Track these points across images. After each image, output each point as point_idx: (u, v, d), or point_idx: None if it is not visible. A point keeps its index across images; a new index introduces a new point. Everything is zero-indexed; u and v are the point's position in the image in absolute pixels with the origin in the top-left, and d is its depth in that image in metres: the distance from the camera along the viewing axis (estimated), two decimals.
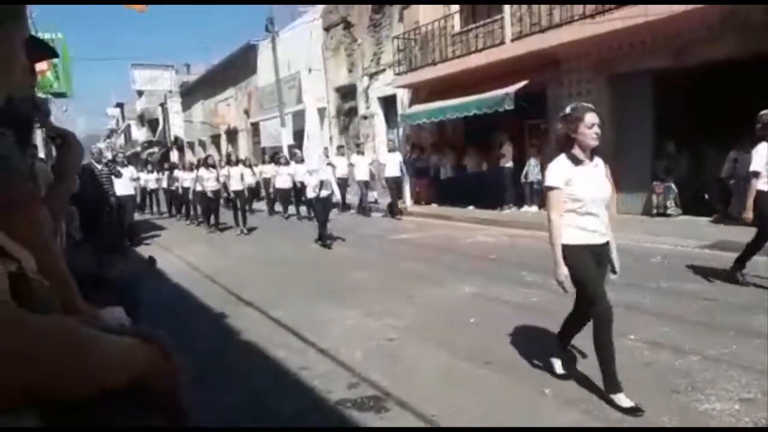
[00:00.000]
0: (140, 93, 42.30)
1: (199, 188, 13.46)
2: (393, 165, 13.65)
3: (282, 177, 15.33)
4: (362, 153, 15.66)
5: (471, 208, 12.63)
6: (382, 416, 3.45)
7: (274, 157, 17.10)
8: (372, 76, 17.13)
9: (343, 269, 7.93)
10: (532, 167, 11.96)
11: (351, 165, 15.10)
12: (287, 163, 15.45)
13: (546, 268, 6.80)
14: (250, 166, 16.91)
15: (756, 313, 4.71)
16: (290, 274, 7.98)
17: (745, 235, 7.35)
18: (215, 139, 30.38)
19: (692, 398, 3.34)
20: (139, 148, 46.17)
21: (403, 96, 15.75)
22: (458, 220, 11.89)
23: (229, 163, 13.94)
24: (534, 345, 4.49)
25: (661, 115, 10.00)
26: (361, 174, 14.71)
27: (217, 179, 13.12)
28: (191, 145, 34.95)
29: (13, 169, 0.96)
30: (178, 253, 10.20)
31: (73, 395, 0.71)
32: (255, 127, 24.41)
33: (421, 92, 14.78)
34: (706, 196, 9.19)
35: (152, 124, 44.99)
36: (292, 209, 15.85)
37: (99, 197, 9.47)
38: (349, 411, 3.55)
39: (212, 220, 13.54)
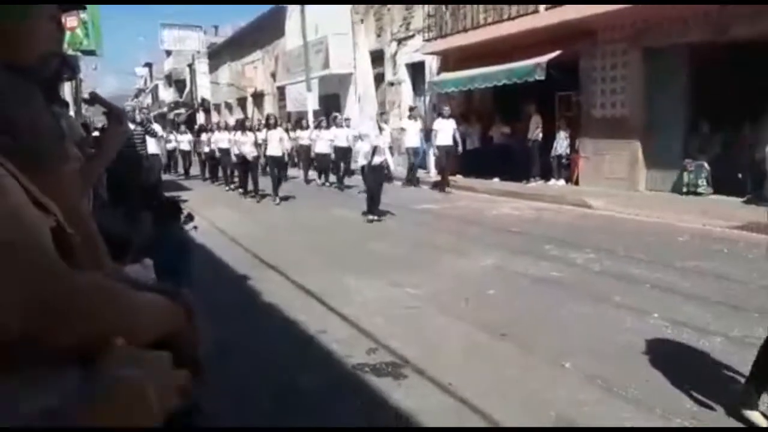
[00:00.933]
0: (168, 53, 42.33)
1: (236, 152, 12.67)
2: (445, 133, 12.40)
3: (322, 142, 14.43)
4: (415, 118, 14.01)
5: (496, 180, 12.49)
6: (400, 382, 3.49)
7: (314, 122, 16.38)
8: (400, 41, 16.86)
9: (367, 239, 7.95)
10: (561, 140, 11.74)
11: (402, 130, 14.26)
12: (328, 127, 14.66)
13: (569, 243, 6.80)
14: (287, 131, 15.54)
15: None
16: (316, 242, 8.04)
17: None
18: (241, 102, 30.40)
19: (715, 379, 3.30)
20: (165, 109, 46.44)
21: (431, 63, 15.49)
22: (483, 191, 11.80)
23: (268, 126, 12.56)
24: (553, 319, 4.48)
25: (696, 92, 9.69)
26: (412, 140, 13.67)
27: (255, 143, 12.29)
28: (217, 107, 35.04)
29: (44, 130, 0.96)
30: (205, 215, 10.16)
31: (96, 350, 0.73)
32: (281, 90, 24.33)
33: (450, 60, 14.52)
34: (740, 176, 8.94)
35: (179, 85, 45.12)
36: (332, 178, 14.96)
37: (130, 158, 9.08)
38: (366, 376, 3.60)
39: (250, 186, 12.78)
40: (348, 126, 14.51)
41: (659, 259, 6.00)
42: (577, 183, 11.51)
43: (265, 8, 24.63)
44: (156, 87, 54.03)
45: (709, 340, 3.85)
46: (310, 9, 19.36)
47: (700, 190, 9.31)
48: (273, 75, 25.53)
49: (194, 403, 1.01)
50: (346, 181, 14.22)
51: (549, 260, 6.19)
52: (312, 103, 19.02)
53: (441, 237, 7.68)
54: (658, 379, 3.37)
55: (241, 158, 12.49)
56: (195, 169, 19.22)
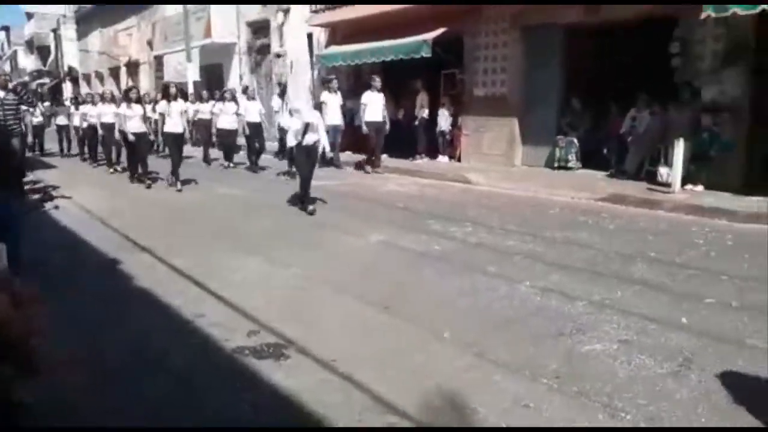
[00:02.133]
0: (29, 16, 38.31)
1: (122, 127, 10.50)
2: (375, 108, 11.23)
3: (226, 116, 12.51)
4: (334, 90, 12.09)
5: (385, 156, 12.63)
6: (281, 363, 3.43)
7: (217, 93, 14.36)
8: (287, 12, 16.40)
9: (247, 214, 7.74)
10: (444, 118, 12.04)
11: (322, 104, 11.45)
12: (233, 99, 12.75)
13: (450, 218, 7.03)
14: (191, 102, 13.96)
15: (637, 262, 5.08)
16: (195, 222, 7.70)
17: (635, 189, 7.88)
18: (114, 72, 28.26)
19: (576, 340, 3.56)
20: (27, 78, 42.14)
21: (319, 35, 15.22)
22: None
23: (167, 97, 10.37)
24: (434, 291, 4.61)
25: (569, 71, 10.30)
26: (334, 117, 11.60)
27: (144, 118, 10.43)
28: (87, 77, 32.35)
29: None
30: (74, 197, 9.20)
31: None
32: (159, 60, 22.89)
33: (339, 33, 14.34)
34: (605, 151, 9.67)
35: (42, 52, 41.07)
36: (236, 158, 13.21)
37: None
38: (246, 359, 3.50)
39: (139, 169, 10.77)
40: (253, 98, 12.79)
41: (531, 230, 6.37)
42: (459, 160, 11.89)
43: None
44: (15, 53, 48.82)
45: (573, 305, 4.14)
46: None
47: (570, 164, 9.97)
48: (150, 43, 23.93)
49: (18, 401, 0.89)
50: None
51: (431, 234, 6.36)
52: (193, 74, 18.08)
53: (329, 214, 7.64)
54: (527, 343, 3.58)
55: (126, 136, 10.45)
56: (55, 146, 17.09)
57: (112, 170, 12.59)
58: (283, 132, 10.86)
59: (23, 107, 8.07)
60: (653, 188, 7.82)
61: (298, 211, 7.75)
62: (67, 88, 32.99)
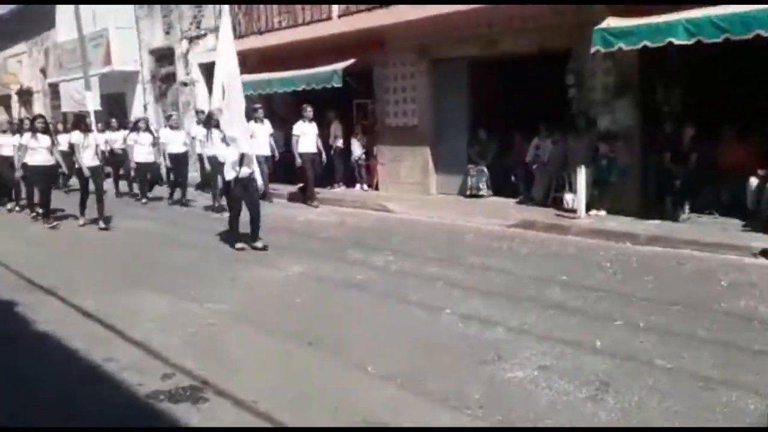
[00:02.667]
0: None
1: (27, 161, 9.48)
2: (309, 139, 10.83)
3: (143, 148, 11.62)
4: (261, 120, 11.32)
5: (301, 185, 12.49)
6: (199, 407, 3.25)
7: (129, 122, 13.63)
8: (192, 40, 16.03)
9: (161, 251, 7.37)
10: (356, 147, 12.12)
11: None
12: (147, 129, 12.00)
13: (370, 246, 7.02)
14: (102, 131, 12.85)
15: (551, 285, 5.26)
16: (102, 259, 7.24)
17: (543, 215, 8.24)
18: (4, 100, 26.31)
19: (498, 368, 3.61)
20: None
21: None
22: (285, 198, 11.67)
23: (78, 127, 9.61)
24: (357, 322, 4.55)
25: (475, 102, 10.70)
26: (262, 147, 10.69)
27: (50, 150, 9.45)
28: None
29: None
30: None
31: None
32: (54, 88, 21.57)
33: (248, 62, 14.07)
34: (513, 179, 10.08)
35: None
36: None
37: None
38: (162, 404, 3.29)
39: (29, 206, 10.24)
40: (176, 128, 12.05)
41: (449, 257, 6.48)
42: (377, 188, 11.98)
43: None
44: None
45: (493, 331, 4.21)
46: None
47: (481, 192, 10.29)
48: (43, 71, 22.56)
49: None
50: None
51: (352, 264, 6.32)
52: (93, 103, 17.12)
53: (226, 242, 7.43)
54: (450, 372, 3.59)
55: (34, 169, 9.45)
56: None
57: (10, 208, 11.42)
58: (212, 163, 9.95)
59: None
60: (560, 214, 8.20)
61: (217, 246, 7.43)
62: None
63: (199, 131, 11.55)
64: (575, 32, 8.17)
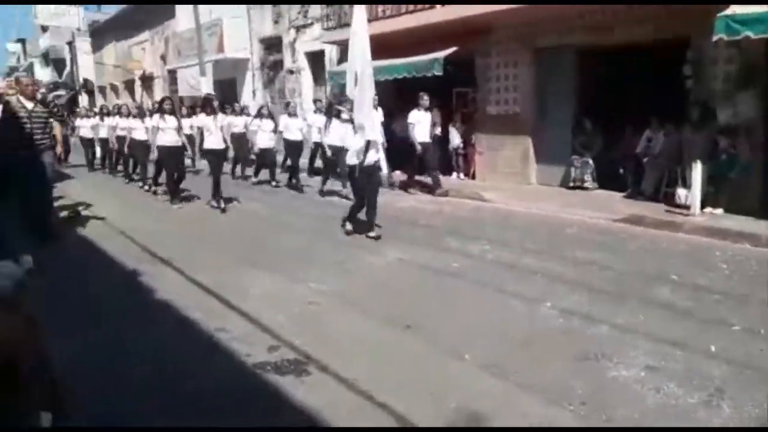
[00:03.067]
0: (44, 29, 38.84)
1: (158, 142, 9.76)
2: (423, 127, 10.50)
3: (265, 134, 11.87)
4: (375, 107, 10.29)
5: (397, 173, 12.62)
6: (303, 380, 3.40)
7: (242, 107, 13.77)
8: (299, 29, 16.55)
9: (272, 232, 7.71)
10: (454, 135, 12.05)
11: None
12: (270, 116, 12.18)
13: (467, 235, 6.99)
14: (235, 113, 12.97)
15: (659, 285, 5.00)
16: (217, 236, 7.72)
17: (653, 210, 7.82)
18: (129, 85, 28.55)
19: (602, 365, 3.50)
20: (44, 90, 42.65)
21: (331, 52, 15.33)
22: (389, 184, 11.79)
23: (205, 110, 9.77)
24: (454, 310, 4.57)
25: (582, 91, 10.30)
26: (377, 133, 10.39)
27: (178, 131, 9.59)
28: (102, 90, 32.70)
29: None
30: (105, 217, 8.66)
31: None
32: (172, 74, 23.10)
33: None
34: (621, 171, 9.63)
35: (58, 65, 41.60)
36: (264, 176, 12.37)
37: (14, 147, 6.60)
38: (268, 374, 3.48)
39: (161, 184, 10.59)
40: (294, 115, 12.06)
41: (549, 249, 6.31)
42: (474, 177, 11.87)
43: None
44: (31, 65, 49.46)
45: (596, 328, 4.08)
46: None
47: (586, 184, 9.92)
48: (163, 57, 24.20)
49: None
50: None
51: (448, 252, 6.32)
52: (206, 88, 18.21)
53: (330, 227, 7.62)
54: (550, 366, 3.52)
55: (165, 150, 9.65)
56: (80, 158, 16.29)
57: (144, 186, 11.77)
58: (332, 151, 10.09)
59: (52, 120, 7.20)
60: (672, 210, 7.74)
61: (325, 230, 7.61)
62: (83, 100, 33.32)
63: (317, 119, 11.64)
64: (695, 20, 7.62)
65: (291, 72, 17.14)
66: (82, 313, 4.56)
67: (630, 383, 3.27)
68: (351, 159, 7.00)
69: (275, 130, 11.89)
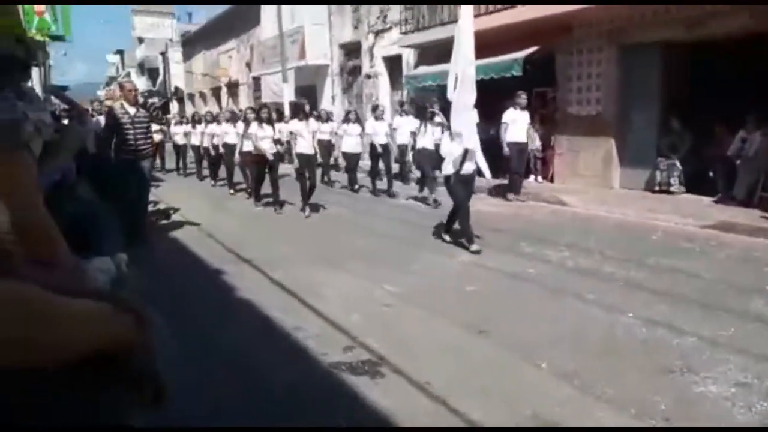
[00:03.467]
0: (141, 40, 41.47)
1: (248, 148, 10.13)
2: (519, 127, 10.04)
3: (351, 138, 11.71)
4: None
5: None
6: (377, 381, 3.46)
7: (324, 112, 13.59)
8: (377, 34, 16.77)
9: (345, 234, 7.87)
10: (532, 136, 11.80)
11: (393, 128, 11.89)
12: (357, 120, 12.06)
13: (544, 240, 6.84)
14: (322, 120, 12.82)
15: (752, 296, 4.70)
16: (296, 236, 7.97)
17: (747, 216, 7.34)
18: (216, 92, 29.96)
19: (688, 380, 3.34)
20: (140, 98, 45.53)
21: (409, 56, 15.43)
22: None
23: (297, 115, 9.85)
24: (528, 317, 4.49)
25: (669, 90, 9.82)
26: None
27: (276, 139, 9.61)
28: (191, 97, 34.48)
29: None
30: (200, 223, 8.71)
31: (22, 365, 0.66)
32: (256, 81, 24.02)
33: (428, 53, 14.46)
34: (711, 174, 9.10)
35: (152, 74, 44.30)
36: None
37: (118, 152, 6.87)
38: (343, 374, 3.55)
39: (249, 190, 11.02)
40: (381, 118, 11.95)
41: (632, 256, 6.07)
42: (552, 180, 11.59)
43: None
44: (128, 75, 52.96)
45: (682, 340, 3.89)
46: None
47: (672, 188, 9.45)
48: (248, 65, 25.20)
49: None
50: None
51: (524, 257, 6.22)
52: (288, 95, 18.82)
53: (420, 233, 7.65)
54: (632, 378, 3.39)
55: (258, 157, 9.80)
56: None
57: (232, 191, 12.33)
58: (420, 155, 10.06)
59: (154, 126, 7.45)
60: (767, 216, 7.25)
61: (386, 229, 7.75)
62: (174, 107, 35.28)
63: (404, 122, 11.62)
64: None
65: (369, 77, 17.39)
66: (167, 310, 4.84)
67: (719, 400, 3.10)
68: (447, 168, 6.62)
69: (362, 135, 11.87)
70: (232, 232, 8.03)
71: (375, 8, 16.62)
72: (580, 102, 10.96)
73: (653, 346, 3.83)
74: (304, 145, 9.26)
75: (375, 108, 12.35)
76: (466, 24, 7.11)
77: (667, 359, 3.60)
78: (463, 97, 6.61)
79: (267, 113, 10.03)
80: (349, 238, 7.69)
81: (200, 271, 6.17)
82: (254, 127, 9.74)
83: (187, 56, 34.57)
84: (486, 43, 11.91)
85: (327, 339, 4.10)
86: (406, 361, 3.65)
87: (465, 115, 6.57)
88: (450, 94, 6.96)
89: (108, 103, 7.27)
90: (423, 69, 14.22)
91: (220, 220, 9.17)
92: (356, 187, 11.95)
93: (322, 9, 18.94)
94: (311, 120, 9.93)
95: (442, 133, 8.44)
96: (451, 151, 6.57)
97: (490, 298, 4.95)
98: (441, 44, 13.40)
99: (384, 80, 17.02)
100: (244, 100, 26.12)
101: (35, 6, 14.70)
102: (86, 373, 0.74)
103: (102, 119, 7.26)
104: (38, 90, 11.86)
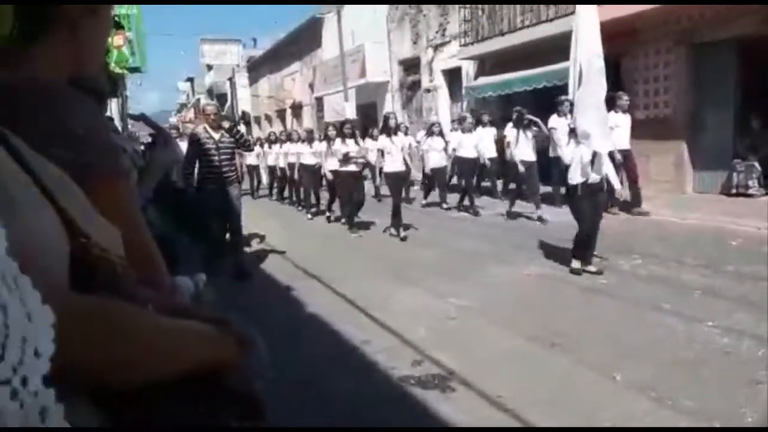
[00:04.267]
0: (209, 67, 43.29)
1: (331, 167, 9.44)
2: (623, 131, 8.93)
3: (436, 153, 10.84)
4: (564, 114, 9.41)
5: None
6: (447, 396, 3.46)
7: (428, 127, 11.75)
8: (436, 48, 16.86)
9: (408, 246, 7.91)
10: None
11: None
12: (441, 134, 11.00)
13: (615, 248, 6.64)
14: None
15: None
16: (358, 250, 8.08)
17: None
18: (280, 114, 30.85)
19: None
20: (225, 123, 47.35)
21: (468, 68, 15.43)
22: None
23: (386, 131, 8.87)
24: (601, 328, 4.38)
25: (746, 88, 9.36)
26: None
27: (364, 158, 9.09)
28: (258, 120, 35.65)
29: (101, 143, 0.96)
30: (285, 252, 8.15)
31: (119, 382, 0.68)
32: (319, 101, 24.59)
33: (487, 64, 14.42)
34: None
35: (221, 99, 46.06)
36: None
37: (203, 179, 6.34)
38: (412, 388, 3.58)
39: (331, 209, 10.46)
40: (471, 130, 10.90)
41: (710, 263, 5.81)
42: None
43: (302, 19, 24.98)
44: (198, 101, 55.36)
45: (766, 349, 3.70)
46: (347, 18, 19.53)
47: (751, 191, 8.97)
48: (311, 86, 25.85)
49: None
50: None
51: (595, 266, 6.06)
52: (350, 113, 19.18)
53: (482, 244, 7.60)
54: (713, 389, 3.26)
55: (349, 175, 8.98)
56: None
57: (308, 214, 11.48)
58: (462, 163, 10.04)
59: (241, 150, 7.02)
60: None
61: (449, 241, 7.73)
62: (242, 130, 36.55)
63: (486, 134, 10.95)
64: None
65: (428, 90, 17.48)
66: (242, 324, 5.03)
67: None
68: (574, 177, 5.65)
69: (446, 149, 11.07)
70: (309, 254, 7.94)
71: (434, 22, 16.74)
72: (647, 106, 10.61)
73: (736, 357, 3.66)
74: (393, 163, 8.54)
75: (463, 120, 11.25)
76: (589, 12, 6.46)
77: (751, 369, 3.43)
78: (590, 93, 5.77)
79: (351, 128, 9.42)
80: (403, 248, 7.69)
81: (273, 288, 6.35)
82: (338, 143, 9.19)
83: (253, 80, 35.82)
84: (542, 51, 11.78)
85: (395, 353, 4.13)
86: (476, 375, 3.62)
87: (593, 114, 5.70)
88: (571, 93, 6.19)
89: (190, 126, 6.92)
90: (483, 80, 14.19)
91: (299, 243, 8.62)
92: (447, 205, 10.95)
93: (381, 26, 19.25)
94: (400, 134, 9.02)
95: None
96: (579, 155, 5.60)
97: (559, 310, 4.86)
98: (500, 54, 13.36)
99: (443, 93, 17.06)
100: (308, 121, 26.75)
101: (114, 40, 15.66)
102: (187, 390, 0.77)
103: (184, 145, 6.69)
104: (116, 120, 12.52)
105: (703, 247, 6.55)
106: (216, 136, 6.37)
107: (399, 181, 8.66)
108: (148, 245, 1.05)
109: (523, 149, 9.12)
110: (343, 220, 9.69)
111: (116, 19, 15.46)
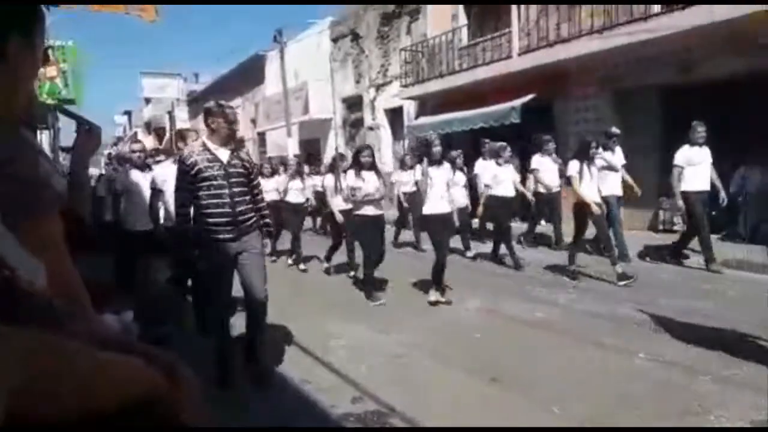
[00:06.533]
0: (147, 101, 42.55)
1: (342, 207, 7.61)
2: (704, 171, 7.76)
3: (457, 189, 8.14)
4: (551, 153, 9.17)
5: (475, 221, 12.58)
6: None
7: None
8: (379, 87, 17.21)
9: (350, 284, 7.85)
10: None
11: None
12: (461, 168, 9.00)
13: (552, 283, 6.82)
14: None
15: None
16: (301, 288, 7.94)
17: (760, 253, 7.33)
18: None
19: (703, 419, 3.28)
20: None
21: (409, 108, 15.79)
22: None
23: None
24: (539, 361, 4.44)
25: (668, 131, 9.95)
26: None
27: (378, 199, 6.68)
28: None
29: (31, 174, 0.95)
30: None
31: (50, 417, 0.66)
32: (261, 136, 24.50)
33: (428, 104, 14.81)
34: (713, 213, 9.10)
35: (159, 132, 45.22)
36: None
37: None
38: (352, 426, 3.51)
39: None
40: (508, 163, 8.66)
41: (639, 297, 6.03)
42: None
43: (245, 55, 25.02)
44: (135, 134, 54.09)
45: (696, 381, 3.83)
46: (290, 55, 19.72)
47: (676, 227, 9.47)
48: (253, 121, 25.75)
49: None
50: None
51: (532, 301, 6.19)
52: (292, 149, 19.19)
53: (424, 279, 7.62)
54: (649, 419, 3.33)
55: (372, 219, 6.66)
56: None
57: (301, 265, 8.98)
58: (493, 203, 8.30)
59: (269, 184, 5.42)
60: None
61: (391, 278, 7.70)
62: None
63: (503, 172, 8.57)
64: None
65: (371, 128, 17.74)
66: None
67: None
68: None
69: (467, 185, 9.20)
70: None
71: (376, 62, 17.12)
72: None
73: (669, 388, 3.77)
74: (439, 202, 6.23)
75: (499, 150, 8.67)
76: None
77: (683, 401, 3.54)
78: None
79: (370, 155, 6.74)
80: (346, 285, 7.62)
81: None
82: (351, 177, 6.65)
83: (193, 114, 35.35)
84: (483, 93, 12.23)
85: (335, 391, 4.04)
86: (417, 411, 3.59)
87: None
88: None
89: (180, 145, 5.56)
90: (423, 119, 14.53)
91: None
92: (471, 254, 9.06)
93: (324, 64, 19.53)
94: (445, 164, 6.50)
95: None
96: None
97: (499, 345, 4.90)
98: (440, 95, 13.77)
99: (386, 131, 17.35)
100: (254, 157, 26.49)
101: (47, 71, 15.18)
102: (119, 423, 0.76)
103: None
104: (48, 153, 12.03)
105: (639, 280, 6.77)
106: (224, 157, 4.07)
107: (446, 226, 6.39)
108: (76, 280, 1.04)
109: (595, 186, 7.09)
110: (352, 273, 7.92)
111: (50, 51, 15.05)
